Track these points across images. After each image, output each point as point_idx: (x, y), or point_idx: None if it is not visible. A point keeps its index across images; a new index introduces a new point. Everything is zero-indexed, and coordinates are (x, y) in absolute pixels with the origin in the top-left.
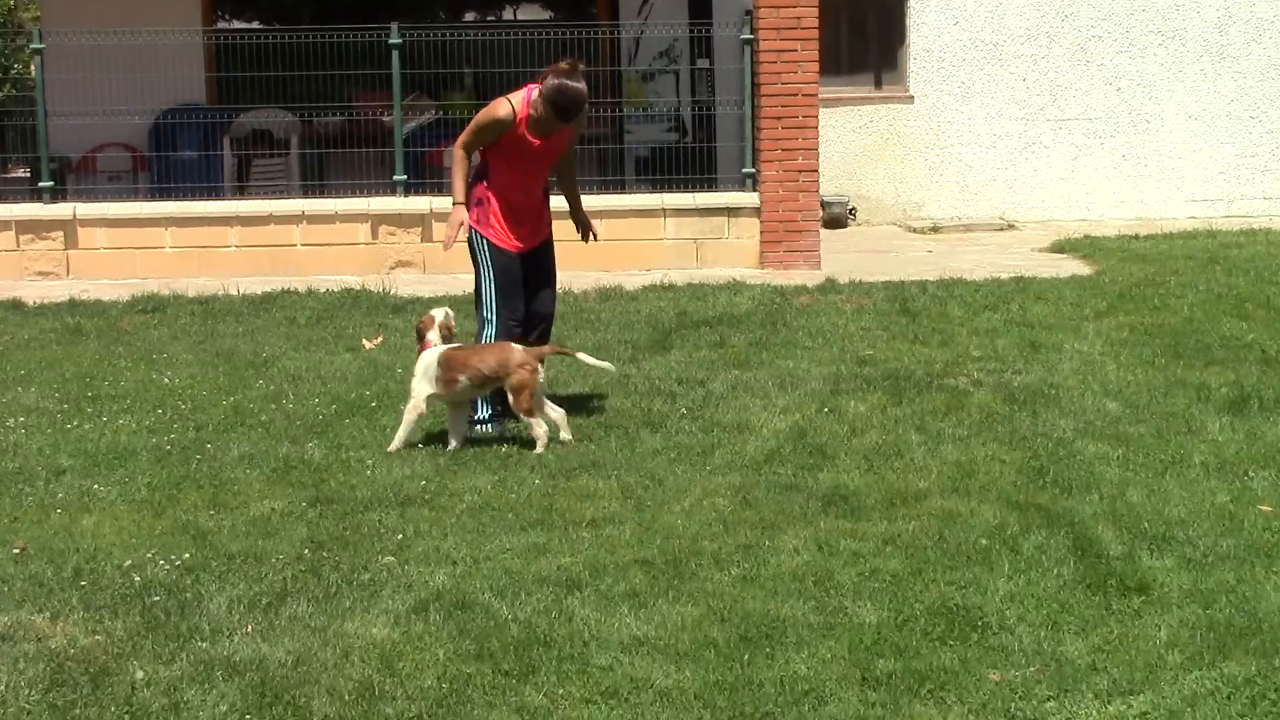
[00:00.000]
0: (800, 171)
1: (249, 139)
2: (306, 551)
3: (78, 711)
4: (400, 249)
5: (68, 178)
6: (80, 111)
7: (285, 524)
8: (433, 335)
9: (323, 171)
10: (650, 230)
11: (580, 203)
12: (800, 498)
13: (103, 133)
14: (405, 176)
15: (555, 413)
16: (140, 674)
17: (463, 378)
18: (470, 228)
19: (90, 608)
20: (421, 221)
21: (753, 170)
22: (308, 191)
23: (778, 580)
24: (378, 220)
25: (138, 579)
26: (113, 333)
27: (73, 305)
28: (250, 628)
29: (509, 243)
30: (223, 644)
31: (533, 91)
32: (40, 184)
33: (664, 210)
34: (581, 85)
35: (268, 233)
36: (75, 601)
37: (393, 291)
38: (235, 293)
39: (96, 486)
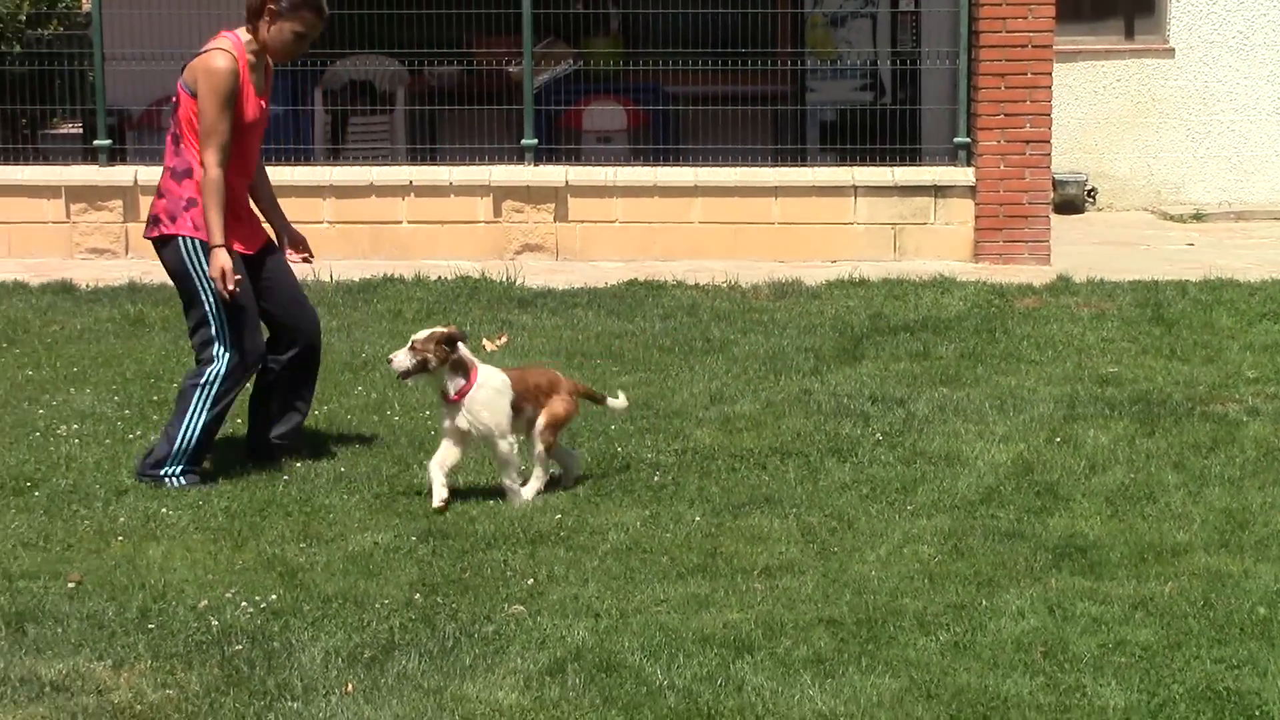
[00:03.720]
0: (1028, 142)
1: (346, 92)
2: (417, 596)
3: None
4: (528, 229)
5: (128, 135)
6: (144, 55)
7: (391, 562)
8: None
9: (435, 133)
10: (837, 212)
11: (277, 201)
12: (1025, 548)
13: (170, 82)
14: (536, 141)
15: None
16: None
17: (528, 406)
18: (174, 236)
19: (159, 656)
20: (554, 196)
21: (967, 140)
22: (416, 157)
23: (998, 649)
24: (501, 194)
25: (215, 623)
26: (180, 325)
27: (133, 290)
28: (350, 686)
29: (229, 240)
30: (318, 704)
31: (236, 35)
32: (95, 143)
33: (854, 188)
34: None
35: (367, 206)
36: (142, 648)
37: (519, 281)
38: (328, 278)
39: (165, 510)
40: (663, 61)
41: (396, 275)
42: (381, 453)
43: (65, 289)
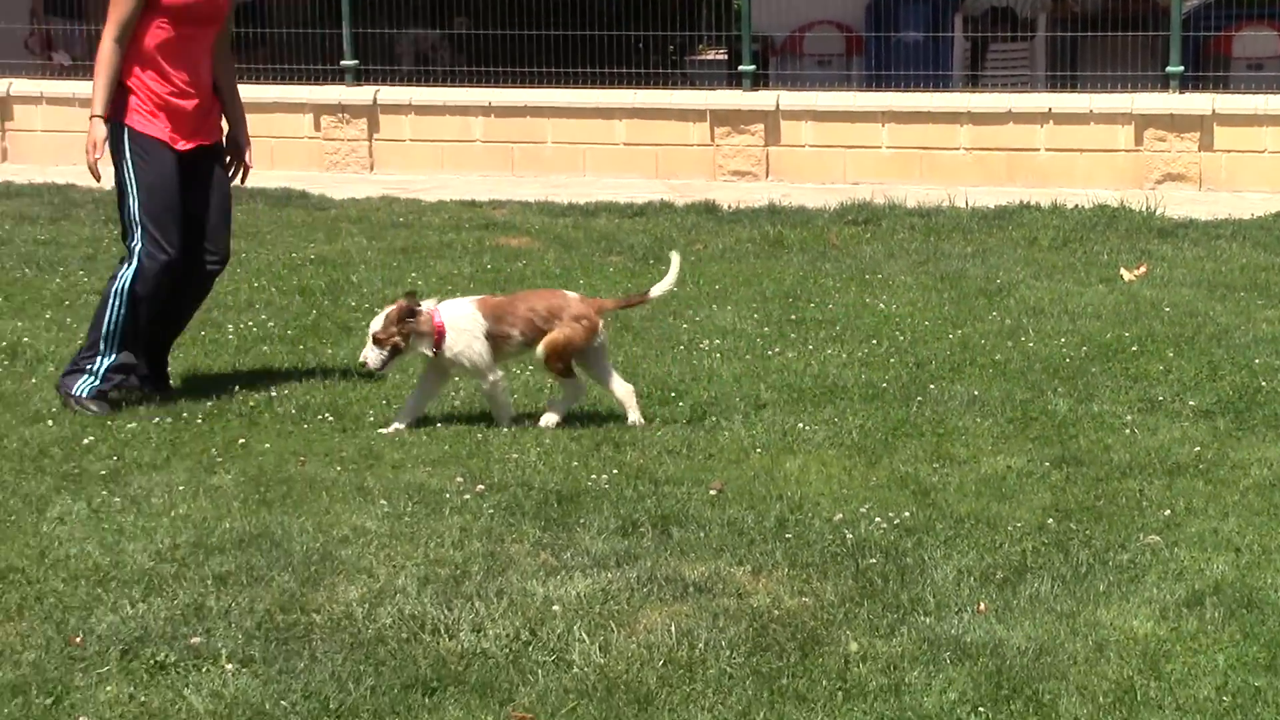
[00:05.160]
0: None
1: (986, 19)
2: (1050, 521)
3: (785, 681)
4: (1170, 159)
5: (770, 61)
6: None
7: (1024, 486)
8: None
9: (1075, 60)
10: None
11: (242, 110)
12: None
13: (812, 8)
14: (1182, 68)
15: (622, 388)
16: (854, 646)
17: (515, 331)
18: (104, 121)
19: (796, 564)
20: (1199, 125)
21: None
22: (1056, 84)
23: None
24: (1144, 122)
25: (850, 536)
26: (819, 246)
27: (773, 212)
28: (983, 605)
29: (158, 130)
30: (950, 621)
31: None
32: (740, 68)
33: None
34: None
35: (1005, 134)
36: (779, 556)
37: (1159, 211)
38: (962, 204)
39: (801, 425)
40: None
41: (1032, 203)
42: (1016, 378)
43: (708, 209)
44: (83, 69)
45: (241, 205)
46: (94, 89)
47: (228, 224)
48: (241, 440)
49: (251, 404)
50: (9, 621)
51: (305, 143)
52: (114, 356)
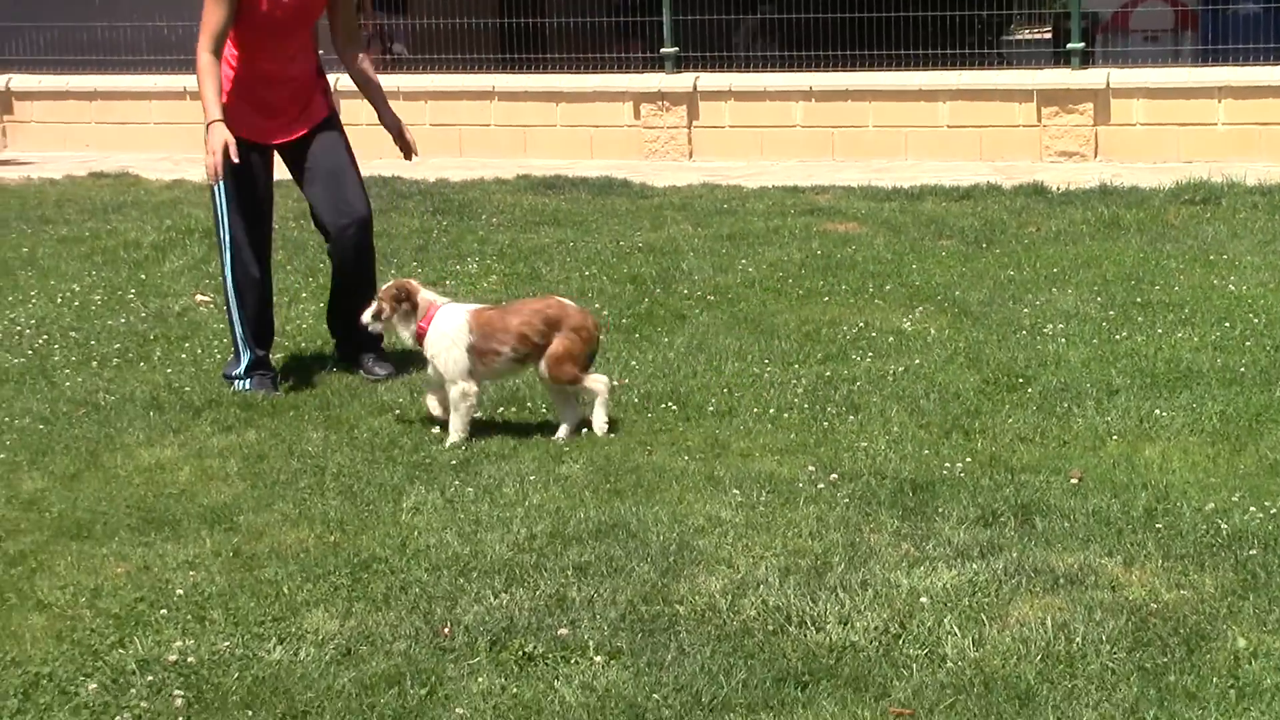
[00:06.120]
0: None
1: None
2: None
3: (1172, 679)
4: None
5: (1097, 38)
6: None
7: None
8: (427, 295)
9: None
10: None
11: (385, 97)
12: None
13: None
14: None
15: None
16: (1243, 642)
17: (505, 349)
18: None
19: (1169, 556)
20: None
21: None
22: None
23: None
24: None
25: (1224, 526)
26: (1157, 226)
27: (1104, 192)
28: None
29: (244, 129)
30: None
31: None
32: (1069, 46)
33: None
34: None
35: None
36: (1151, 547)
37: None
38: None
39: (1157, 411)
40: None
41: None
42: None
43: (1037, 191)
44: (421, 62)
45: (565, 195)
46: (202, 99)
47: (348, 185)
48: (586, 429)
49: None
50: (377, 611)
51: (624, 131)
52: (249, 354)
